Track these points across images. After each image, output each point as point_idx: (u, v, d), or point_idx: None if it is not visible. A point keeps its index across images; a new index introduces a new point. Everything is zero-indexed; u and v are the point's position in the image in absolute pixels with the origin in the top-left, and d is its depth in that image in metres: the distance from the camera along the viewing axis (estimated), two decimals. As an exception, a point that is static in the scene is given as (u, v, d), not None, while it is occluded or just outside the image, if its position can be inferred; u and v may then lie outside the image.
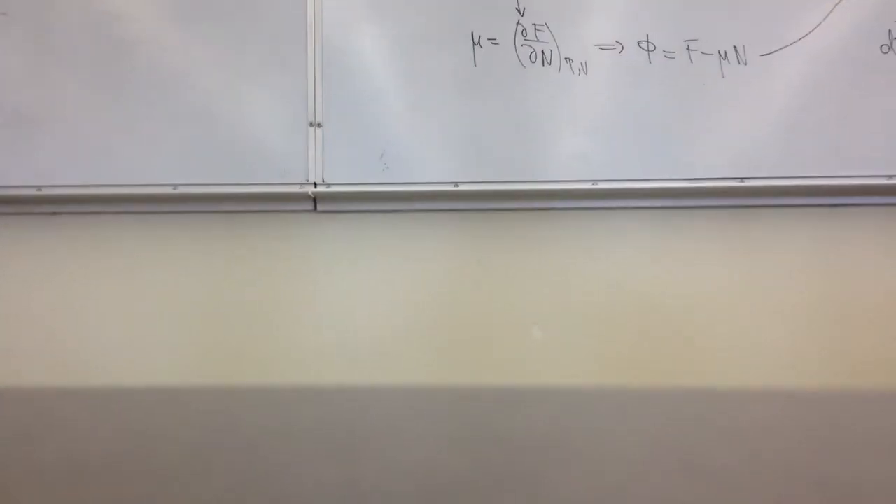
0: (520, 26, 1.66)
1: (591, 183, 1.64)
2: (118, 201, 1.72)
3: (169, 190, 1.67)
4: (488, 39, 1.66)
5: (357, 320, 1.73)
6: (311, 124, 1.67)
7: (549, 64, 1.66)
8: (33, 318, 1.76)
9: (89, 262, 1.76)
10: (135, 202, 1.72)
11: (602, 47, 1.65)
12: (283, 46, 1.67)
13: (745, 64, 1.63)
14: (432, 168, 1.66)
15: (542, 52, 1.66)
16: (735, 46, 1.63)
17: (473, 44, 1.66)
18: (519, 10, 1.66)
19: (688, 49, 1.64)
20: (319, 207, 1.72)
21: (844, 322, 1.67)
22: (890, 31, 1.61)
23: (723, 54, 1.63)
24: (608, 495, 1.71)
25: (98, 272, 1.76)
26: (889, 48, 1.61)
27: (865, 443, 1.66)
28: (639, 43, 1.64)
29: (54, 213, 1.76)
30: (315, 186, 1.66)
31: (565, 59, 1.65)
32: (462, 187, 1.65)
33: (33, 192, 1.69)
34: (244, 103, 1.67)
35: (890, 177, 1.60)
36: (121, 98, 1.68)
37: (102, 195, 1.69)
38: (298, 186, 1.67)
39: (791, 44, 1.62)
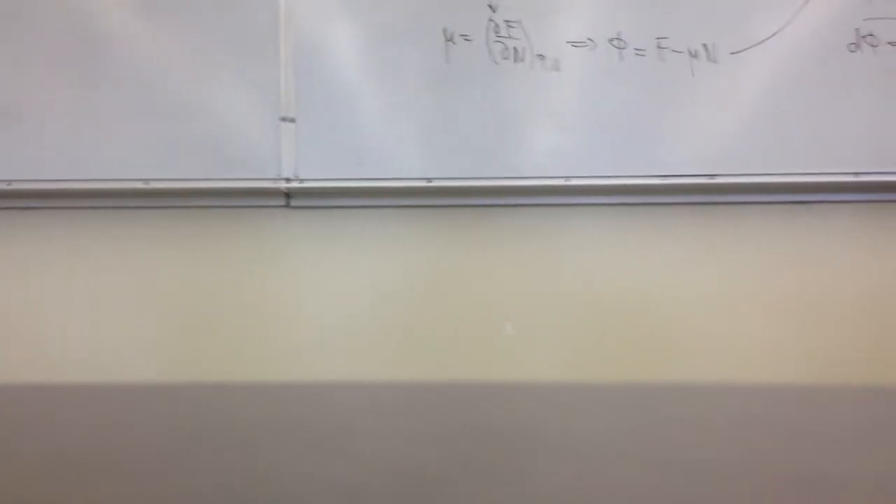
0: (492, 23, 1.67)
1: (563, 179, 1.65)
2: (90, 196, 1.71)
3: (140, 185, 1.66)
4: (461, 35, 1.67)
5: (331, 316, 1.73)
6: (283, 119, 1.67)
7: (522, 61, 1.66)
8: (3, 314, 1.75)
9: (60, 258, 1.75)
10: (106, 197, 1.71)
11: (574, 44, 1.66)
12: (255, 41, 1.67)
13: (716, 62, 1.64)
14: (405, 164, 1.66)
15: (515, 48, 1.66)
16: (705, 45, 1.64)
17: (446, 40, 1.67)
18: (491, 7, 1.67)
19: (659, 47, 1.65)
20: (292, 203, 1.72)
21: (813, 317, 1.69)
22: (858, 29, 1.63)
23: (693, 52, 1.64)
24: (584, 488, 1.72)
25: (69, 267, 1.75)
26: (857, 47, 1.63)
27: (836, 436, 1.69)
28: (610, 40, 1.65)
29: (26, 209, 1.75)
30: (288, 182, 1.66)
31: (537, 55, 1.66)
32: (435, 183, 1.66)
33: (4, 186, 1.67)
34: (217, 98, 1.67)
35: (857, 174, 1.61)
36: (93, 93, 1.67)
37: (74, 190, 1.68)
38: (271, 182, 1.67)
39: (760, 42, 1.64)
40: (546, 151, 1.65)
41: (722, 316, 1.70)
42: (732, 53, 1.64)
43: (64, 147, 1.67)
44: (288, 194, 1.70)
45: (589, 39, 1.66)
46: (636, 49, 1.65)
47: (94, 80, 1.67)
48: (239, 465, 1.74)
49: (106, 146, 1.67)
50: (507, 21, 1.67)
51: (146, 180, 1.66)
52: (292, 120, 1.66)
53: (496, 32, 1.67)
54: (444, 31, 1.67)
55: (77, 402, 1.75)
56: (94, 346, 1.74)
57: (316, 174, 1.66)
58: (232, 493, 1.74)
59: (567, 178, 1.64)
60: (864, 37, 1.63)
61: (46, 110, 1.67)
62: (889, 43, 1.62)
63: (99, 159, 1.66)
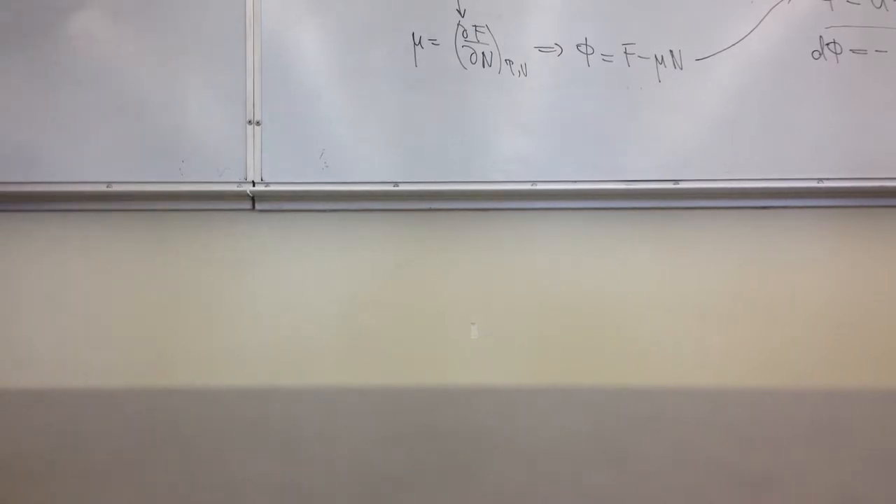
0: (460, 27, 1.67)
1: (530, 184, 1.65)
2: (50, 199, 1.68)
3: (103, 188, 1.64)
4: (429, 40, 1.67)
5: (296, 320, 1.72)
6: (249, 122, 1.65)
7: (490, 65, 1.66)
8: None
9: (22, 262, 1.72)
10: (67, 200, 1.69)
11: (541, 49, 1.66)
12: (221, 42, 1.66)
13: (681, 68, 1.65)
14: (372, 168, 1.66)
15: (483, 53, 1.67)
16: (671, 51, 1.65)
17: (414, 44, 1.67)
18: (460, 12, 1.67)
19: (625, 53, 1.66)
20: (258, 206, 1.71)
21: (775, 321, 1.71)
22: (821, 37, 1.65)
23: (659, 58, 1.65)
24: (540, 489, 1.72)
25: (30, 272, 1.72)
26: (820, 54, 1.64)
27: (797, 438, 1.70)
28: (577, 46, 1.66)
29: (-16, 211, 1.72)
30: (253, 185, 1.65)
31: (505, 60, 1.66)
32: (402, 187, 1.65)
33: (-39, 189, 1.65)
34: (181, 100, 1.65)
35: (820, 180, 1.63)
36: (52, 93, 1.65)
37: (34, 193, 1.66)
38: (236, 185, 1.65)
39: (725, 49, 1.65)
40: (513, 156, 1.65)
41: (685, 320, 1.71)
42: (698, 60, 1.65)
43: (23, 149, 1.64)
44: (253, 198, 1.69)
45: (556, 45, 1.66)
46: (603, 55, 1.66)
47: (56, 81, 1.65)
48: (198, 468, 1.72)
49: (67, 148, 1.64)
50: (475, 26, 1.67)
51: (108, 183, 1.64)
52: (258, 123, 1.65)
53: (465, 37, 1.67)
54: (413, 35, 1.67)
55: (36, 405, 1.72)
56: (53, 350, 1.72)
57: (282, 178, 1.65)
58: (191, 496, 1.72)
59: (533, 182, 1.65)
60: (827, 44, 1.64)
61: (5, 111, 1.65)
62: (852, 50, 1.64)
63: (60, 161, 1.64)
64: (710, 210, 1.70)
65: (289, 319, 1.72)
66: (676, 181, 1.64)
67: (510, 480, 1.72)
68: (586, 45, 1.66)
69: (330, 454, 1.72)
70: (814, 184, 1.63)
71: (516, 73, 1.66)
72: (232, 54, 1.66)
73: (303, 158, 1.65)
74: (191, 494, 1.72)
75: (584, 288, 1.72)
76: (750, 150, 1.64)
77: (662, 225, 1.71)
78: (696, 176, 1.63)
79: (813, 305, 1.70)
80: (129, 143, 1.64)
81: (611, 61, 1.66)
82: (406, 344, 1.72)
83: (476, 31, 1.67)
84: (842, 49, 1.64)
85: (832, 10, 1.65)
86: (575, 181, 1.65)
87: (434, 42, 1.67)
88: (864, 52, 1.64)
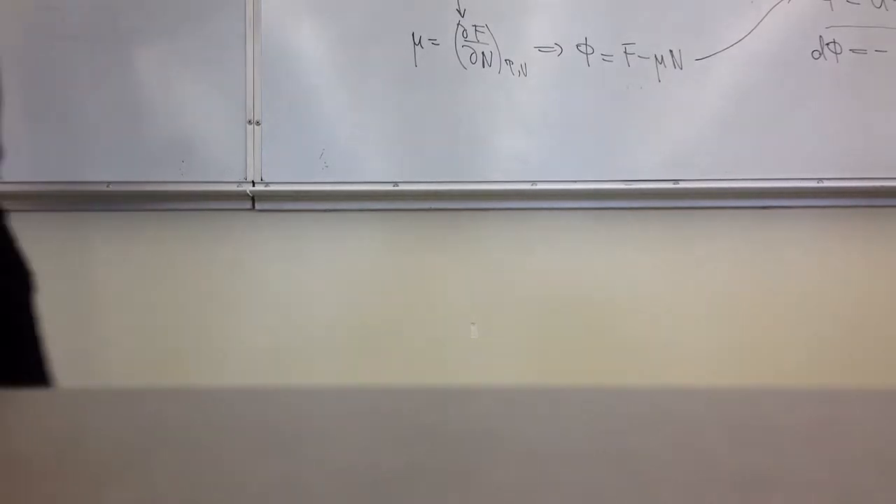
0: (460, 27, 1.66)
1: (529, 184, 1.65)
2: (48, 199, 1.68)
3: (102, 188, 1.64)
4: (429, 40, 1.67)
5: (295, 320, 1.72)
6: (249, 122, 1.65)
7: (490, 65, 1.66)
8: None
9: (21, 261, 1.72)
10: (66, 200, 1.69)
11: (541, 49, 1.66)
12: (221, 42, 1.65)
13: (681, 68, 1.65)
14: (372, 168, 1.66)
15: (483, 53, 1.66)
16: (671, 51, 1.65)
17: (414, 44, 1.66)
18: (460, 12, 1.66)
19: (625, 52, 1.66)
20: (258, 206, 1.70)
21: (774, 321, 1.71)
22: (821, 37, 1.65)
23: (659, 58, 1.65)
24: (540, 489, 1.72)
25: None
26: (820, 54, 1.64)
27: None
28: (577, 46, 1.66)
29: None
30: (253, 185, 1.65)
31: (505, 60, 1.66)
32: (402, 187, 1.65)
33: (-40, 189, 1.64)
34: (181, 100, 1.65)
35: (820, 180, 1.63)
36: (54, 93, 1.65)
37: (34, 193, 1.65)
38: (236, 185, 1.65)
39: (725, 48, 1.65)
40: (513, 156, 1.65)
41: (685, 319, 1.71)
42: (698, 60, 1.65)
43: (22, 148, 1.64)
44: (253, 198, 1.69)
45: (556, 45, 1.66)
46: (603, 55, 1.66)
47: (53, 79, 1.64)
48: (197, 467, 1.72)
49: (66, 148, 1.64)
50: (475, 26, 1.67)
51: (107, 183, 1.64)
52: (258, 123, 1.65)
53: (464, 37, 1.66)
54: (413, 35, 1.66)
55: (37, 405, 1.72)
56: (53, 350, 1.71)
57: (282, 177, 1.65)
58: (190, 495, 1.72)
59: (533, 182, 1.65)
60: (827, 44, 1.64)
61: (4, 110, 1.64)
62: (851, 50, 1.64)
63: (58, 161, 1.64)
64: (711, 210, 1.70)
65: (288, 319, 1.72)
66: (676, 181, 1.64)
67: (510, 480, 1.71)
68: (586, 45, 1.66)
69: (330, 454, 1.71)
70: (814, 184, 1.63)
71: (516, 73, 1.66)
72: (232, 54, 1.65)
73: (303, 158, 1.65)
74: (190, 494, 1.71)
75: (584, 288, 1.72)
76: (750, 150, 1.63)
77: (662, 225, 1.71)
78: (696, 176, 1.63)
79: (813, 305, 1.70)
80: (129, 143, 1.64)
81: (611, 61, 1.66)
82: (406, 344, 1.72)
83: (476, 31, 1.66)
84: (842, 49, 1.64)
85: (832, 10, 1.65)
86: (575, 181, 1.65)
87: (434, 42, 1.66)
88: (864, 52, 1.64)
